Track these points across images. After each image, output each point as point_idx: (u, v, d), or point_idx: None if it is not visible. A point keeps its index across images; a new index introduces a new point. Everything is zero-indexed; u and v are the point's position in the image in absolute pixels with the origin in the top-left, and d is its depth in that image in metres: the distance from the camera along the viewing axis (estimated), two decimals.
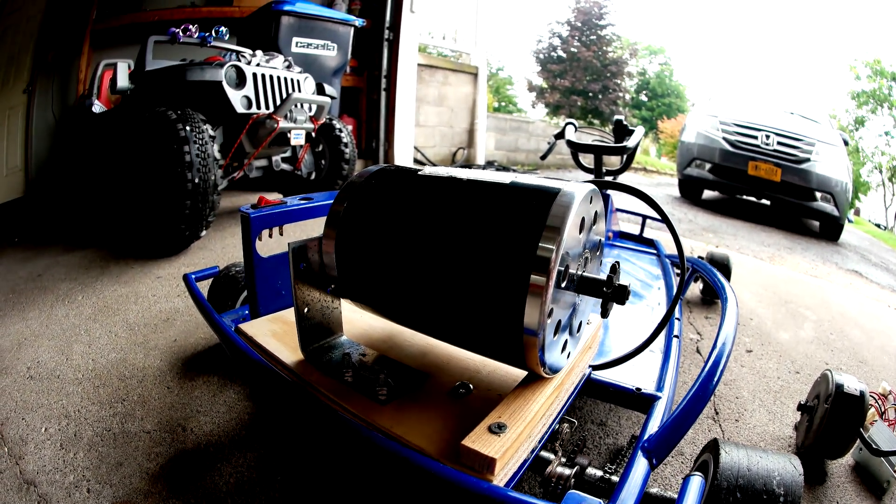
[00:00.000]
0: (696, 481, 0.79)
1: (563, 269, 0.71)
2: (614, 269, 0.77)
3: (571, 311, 0.81)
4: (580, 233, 0.75)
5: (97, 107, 3.93)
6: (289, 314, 1.14)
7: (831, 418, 1.22)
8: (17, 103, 4.79)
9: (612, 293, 0.76)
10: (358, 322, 1.03)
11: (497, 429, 0.68)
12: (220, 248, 2.80)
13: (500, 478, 0.67)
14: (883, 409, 1.35)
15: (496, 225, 0.72)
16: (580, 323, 0.87)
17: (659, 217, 1.04)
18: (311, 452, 1.26)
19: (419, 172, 0.87)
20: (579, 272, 0.78)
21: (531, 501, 0.62)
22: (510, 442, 0.67)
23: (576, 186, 0.74)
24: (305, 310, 0.90)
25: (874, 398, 1.35)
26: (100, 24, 4.89)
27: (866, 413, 1.23)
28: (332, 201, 1.27)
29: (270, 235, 1.20)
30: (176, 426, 1.35)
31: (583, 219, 0.75)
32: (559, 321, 0.75)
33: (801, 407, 1.39)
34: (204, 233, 2.65)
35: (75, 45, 4.83)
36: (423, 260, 0.78)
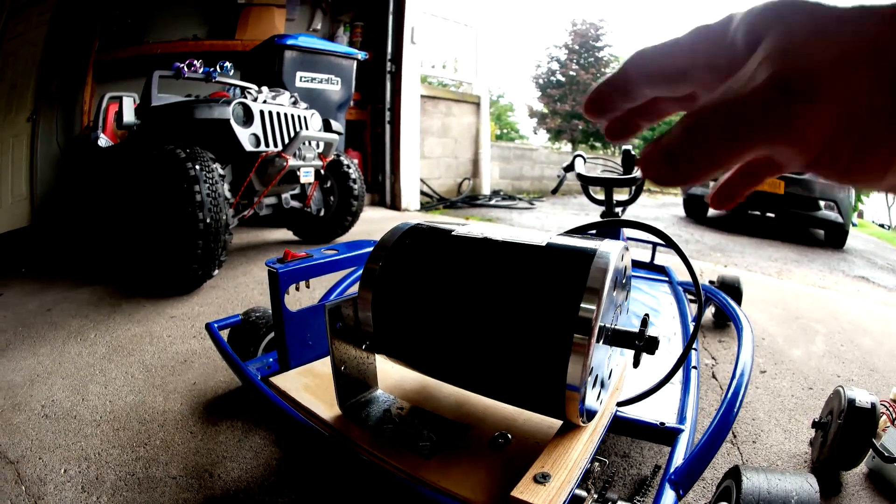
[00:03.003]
0: None
1: (601, 325, 0.74)
2: (645, 321, 0.81)
3: (605, 362, 0.84)
4: (615, 289, 0.79)
5: (103, 140, 3.96)
6: (319, 366, 1.16)
7: (844, 432, 1.28)
8: (21, 131, 4.83)
9: (645, 345, 0.79)
10: (390, 373, 1.06)
11: (542, 478, 0.72)
12: (233, 288, 2.81)
13: None
14: (894, 416, 1.40)
15: (536, 287, 0.75)
16: (611, 371, 0.91)
17: (675, 253, 1.09)
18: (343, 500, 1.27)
19: (453, 232, 0.90)
20: (612, 326, 0.81)
21: None
22: (555, 490, 0.71)
23: (610, 245, 0.78)
24: (342, 367, 0.92)
25: (885, 405, 1.40)
26: (102, 55, 4.95)
27: (878, 423, 1.29)
28: (356, 252, 1.32)
29: (297, 289, 1.23)
30: (203, 472, 1.35)
31: (616, 276, 0.78)
32: (597, 375, 0.78)
33: (815, 424, 1.44)
34: (216, 272, 2.67)
35: (79, 76, 4.89)
36: (462, 320, 0.80)
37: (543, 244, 0.80)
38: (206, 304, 2.56)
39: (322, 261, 1.24)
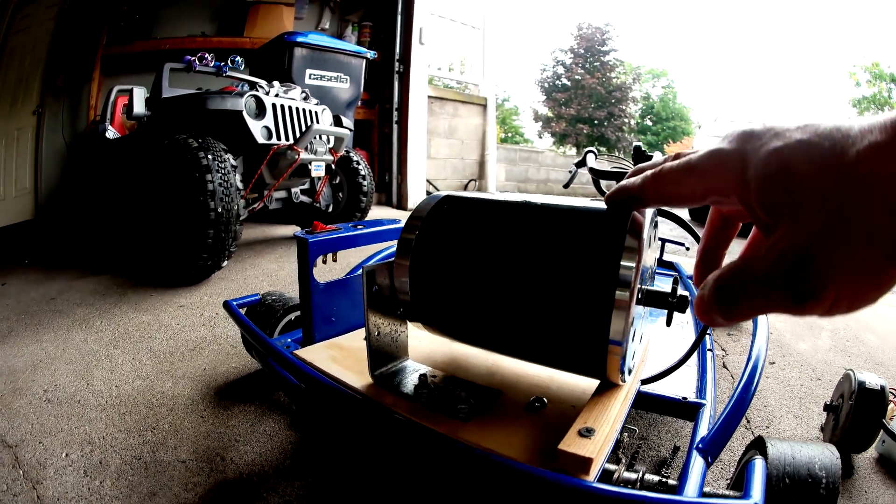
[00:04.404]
0: (759, 463, 0.90)
1: (639, 285, 0.76)
2: (676, 281, 0.82)
3: (640, 323, 0.86)
4: (647, 251, 0.80)
5: (111, 132, 3.94)
6: (344, 340, 1.14)
7: (856, 413, 1.32)
8: (27, 124, 4.82)
9: (677, 303, 0.81)
10: (419, 346, 1.03)
11: (586, 433, 0.73)
12: (242, 279, 2.78)
13: (591, 478, 0.71)
14: None
15: (578, 247, 0.76)
16: (641, 336, 0.92)
17: (692, 235, 1.10)
18: (363, 479, 1.24)
19: (490, 198, 0.89)
20: (645, 287, 0.82)
21: (637, 493, 0.69)
22: (600, 444, 0.72)
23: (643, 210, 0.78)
24: (376, 333, 0.89)
25: (893, 394, 1.43)
26: (110, 49, 4.94)
27: (887, 406, 1.33)
28: (385, 227, 1.29)
29: (325, 261, 1.20)
30: (214, 456, 1.31)
31: (649, 238, 0.80)
32: (633, 331, 0.80)
33: (827, 407, 1.48)
34: (225, 263, 2.64)
35: (86, 70, 4.87)
36: (503, 282, 0.80)
37: (581, 206, 0.81)
38: (215, 294, 2.53)
39: (351, 233, 1.22)
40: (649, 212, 0.78)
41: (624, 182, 0.49)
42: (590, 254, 0.74)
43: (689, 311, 1.87)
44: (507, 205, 0.86)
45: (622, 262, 0.71)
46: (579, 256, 0.75)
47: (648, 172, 0.45)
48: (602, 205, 0.81)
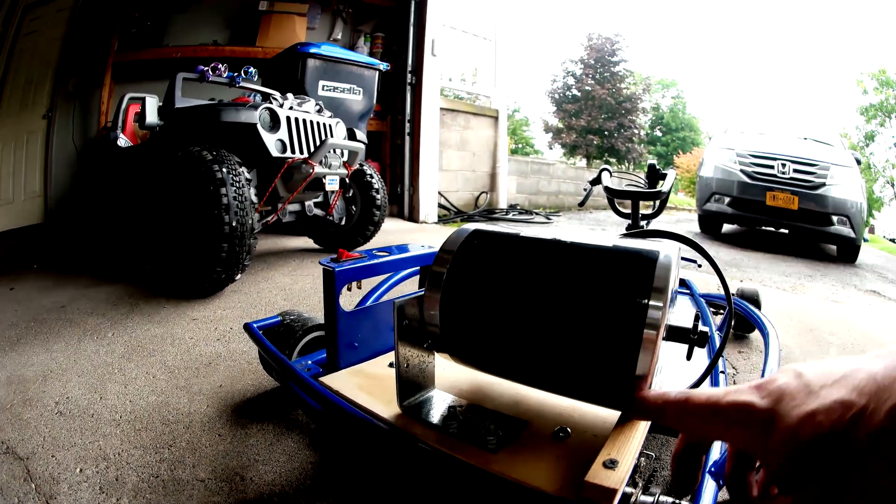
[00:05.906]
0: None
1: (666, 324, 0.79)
2: (697, 317, 0.86)
3: (662, 356, 0.88)
4: (673, 282, 0.83)
5: (123, 141, 3.94)
6: (368, 367, 1.15)
7: None
8: (37, 128, 4.85)
9: (698, 339, 0.84)
10: (442, 374, 1.05)
11: (611, 464, 0.76)
12: (256, 293, 2.77)
13: None
14: None
15: (607, 286, 0.79)
16: (661, 367, 0.95)
17: (707, 261, 1.14)
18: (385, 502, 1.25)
19: (520, 235, 0.91)
20: (668, 324, 0.84)
21: None
22: (623, 474, 0.75)
23: (669, 248, 0.82)
24: (405, 365, 0.91)
25: None
26: (122, 56, 4.98)
27: None
28: (413, 254, 1.31)
29: (350, 289, 1.21)
30: (233, 475, 1.30)
31: (676, 268, 0.83)
32: (659, 367, 0.83)
33: None
34: (239, 276, 2.64)
35: (97, 75, 4.91)
36: (534, 317, 0.83)
37: (610, 245, 0.84)
38: (228, 307, 2.52)
39: (376, 261, 1.22)
40: (675, 248, 0.81)
41: (647, 394, 0.53)
42: (619, 293, 0.77)
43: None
44: (538, 242, 0.88)
45: (651, 302, 0.75)
46: (609, 296, 0.78)
47: (672, 396, 0.48)
48: (630, 243, 0.85)
